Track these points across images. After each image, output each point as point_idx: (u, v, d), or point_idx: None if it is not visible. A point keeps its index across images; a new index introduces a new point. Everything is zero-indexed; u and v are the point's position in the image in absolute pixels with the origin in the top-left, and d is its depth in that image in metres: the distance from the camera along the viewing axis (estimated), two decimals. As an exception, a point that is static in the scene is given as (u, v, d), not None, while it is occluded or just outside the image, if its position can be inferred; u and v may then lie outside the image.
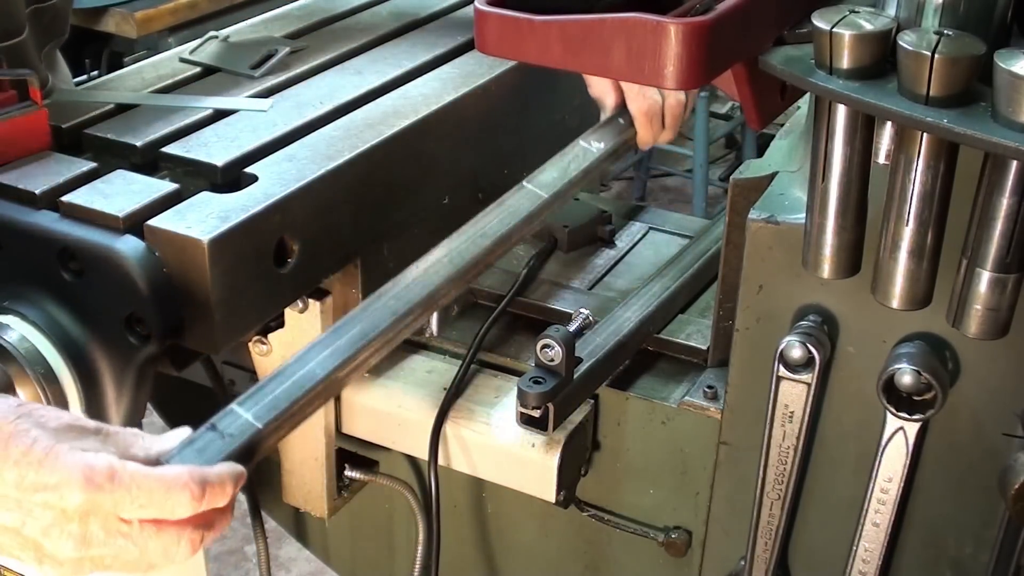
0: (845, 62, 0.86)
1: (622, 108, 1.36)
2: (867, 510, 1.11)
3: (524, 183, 1.23)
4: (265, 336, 1.28)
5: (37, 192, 1.08)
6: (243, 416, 0.88)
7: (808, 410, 1.09)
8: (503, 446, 1.30)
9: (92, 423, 0.83)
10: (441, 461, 1.34)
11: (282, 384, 0.92)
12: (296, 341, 1.27)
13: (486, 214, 1.18)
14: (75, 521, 0.78)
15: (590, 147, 1.31)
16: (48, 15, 1.48)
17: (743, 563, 1.22)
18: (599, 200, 1.69)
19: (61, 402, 1.01)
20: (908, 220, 0.90)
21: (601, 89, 1.38)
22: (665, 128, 1.40)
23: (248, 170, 1.16)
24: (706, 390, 1.29)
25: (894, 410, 1.03)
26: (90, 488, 0.77)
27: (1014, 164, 0.84)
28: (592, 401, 1.32)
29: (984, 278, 0.89)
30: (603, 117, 1.38)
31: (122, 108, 1.28)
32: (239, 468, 0.83)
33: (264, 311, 1.17)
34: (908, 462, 1.07)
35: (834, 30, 0.85)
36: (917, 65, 0.82)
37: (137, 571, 0.81)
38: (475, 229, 1.16)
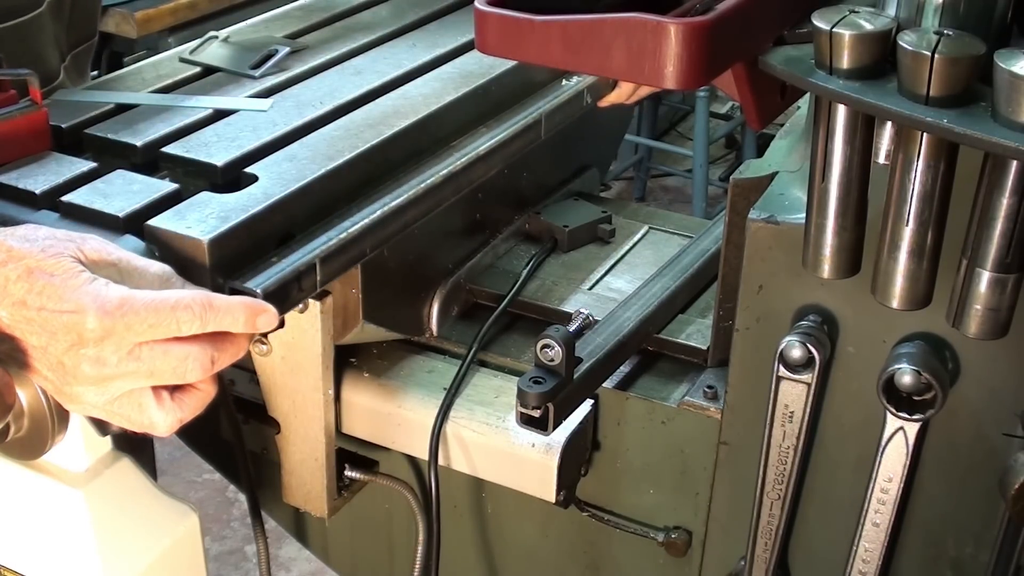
0: (845, 62, 0.86)
1: None
2: (867, 510, 1.11)
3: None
4: (265, 336, 1.28)
5: (37, 192, 1.08)
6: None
7: (808, 410, 1.09)
8: (503, 446, 1.30)
9: (115, 255, 0.92)
10: (441, 461, 1.34)
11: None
12: (296, 341, 1.27)
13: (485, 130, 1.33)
14: (90, 345, 0.86)
15: (571, 82, 1.44)
16: (70, 7, 1.49)
17: (743, 563, 1.22)
18: (599, 200, 1.69)
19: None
20: (908, 220, 0.90)
21: None
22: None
23: (248, 170, 1.16)
24: (706, 390, 1.29)
25: (894, 410, 1.03)
26: (102, 315, 0.86)
27: (1014, 164, 0.84)
28: (592, 401, 1.32)
29: (984, 278, 0.89)
30: None
31: (122, 108, 1.28)
32: (258, 303, 0.94)
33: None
34: (908, 462, 1.07)
35: (834, 30, 0.85)
36: (917, 65, 0.82)
37: (162, 402, 0.91)
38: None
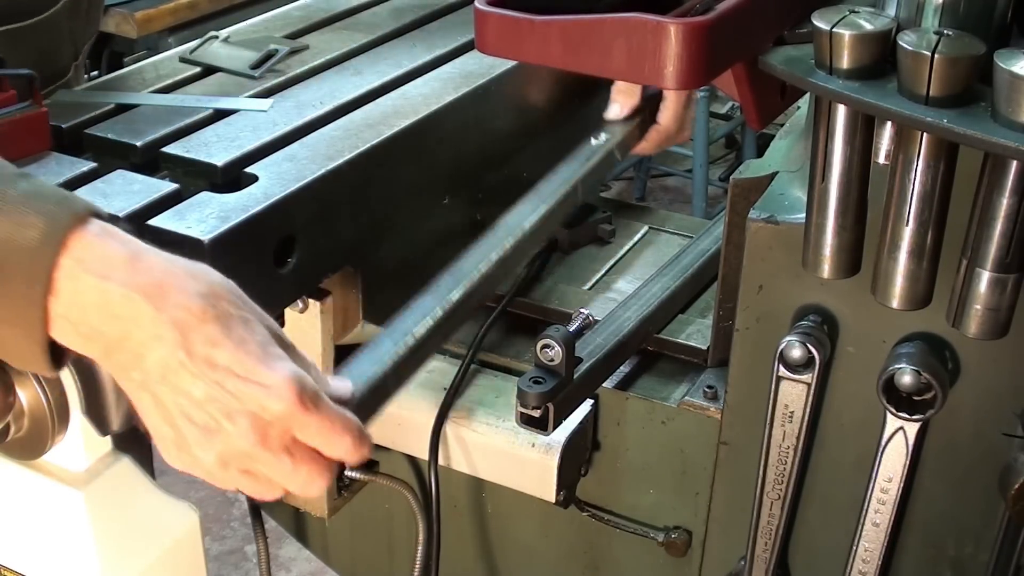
0: (845, 62, 0.86)
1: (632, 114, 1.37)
2: (867, 510, 1.11)
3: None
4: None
5: (37, 192, 1.08)
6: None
7: (808, 410, 1.09)
8: (503, 446, 1.30)
9: (289, 340, 0.87)
10: (441, 461, 1.34)
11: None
12: (296, 341, 1.26)
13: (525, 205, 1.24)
14: (262, 421, 0.81)
15: (600, 140, 1.34)
16: (85, 5, 1.49)
17: (743, 563, 1.22)
18: (599, 200, 1.69)
19: (61, 402, 1.01)
20: (908, 220, 0.90)
21: (624, 88, 1.36)
22: (684, 125, 1.39)
23: (248, 170, 1.16)
24: (706, 390, 1.29)
25: (894, 410, 1.03)
26: (295, 403, 0.81)
27: (1014, 164, 0.84)
28: (592, 401, 1.32)
29: (984, 278, 0.89)
30: (617, 110, 1.36)
31: (122, 108, 1.28)
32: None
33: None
34: (908, 462, 1.07)
35: (834, 30, 0.85)
36: (917, 65, 0.82)
37: (272, 490, 0.88)
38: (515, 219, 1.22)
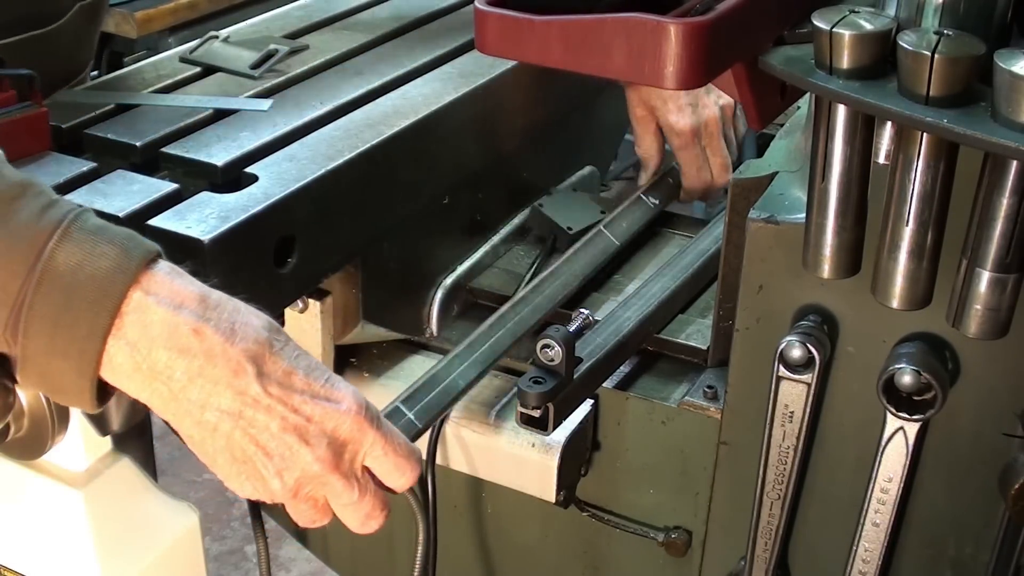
0: (845, 62, 0.86)
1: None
2: (867, 510, 1.11)
3: (602, 228, 1.46)
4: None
5: (37, 192, 1.08)
6: (407, 415, 1.09)
7: (808, 410, 1.09)
8: (503, 446, 1.30)
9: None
10: (441, 461, 1.34)
11: (434, 391, 1.14)
12: (296, 341, 1.27)
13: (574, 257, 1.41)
14: (337, 441, 0.84)
15: (649, 201, 1.55)
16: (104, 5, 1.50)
17: (743, 563, 1.22)
18: (599, 200, 1.68)
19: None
20: (908, 220, 0.90)
21: (646, 150, 1.59)
22: (713, 176, 1.59)
23: (248, 170, 1.16)
24: (706, 390, 1.29)
25: (894, 410, 1.03)
26: (364, 418, 0.85)
27: (1014, 164, 0.84)
28: (592, 401, 1.32)
29: (984, 278, 0.89)
30: (645, 175, 1.62)
31: (122, 108, 1.28)
32: None
33: (264, 311, 1.17)
34: (908, 462, 1.07)
35: (834, 30, 0.85)
36: (917, 65, 0.82)
37: (327, 517, 0.88)
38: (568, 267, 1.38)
